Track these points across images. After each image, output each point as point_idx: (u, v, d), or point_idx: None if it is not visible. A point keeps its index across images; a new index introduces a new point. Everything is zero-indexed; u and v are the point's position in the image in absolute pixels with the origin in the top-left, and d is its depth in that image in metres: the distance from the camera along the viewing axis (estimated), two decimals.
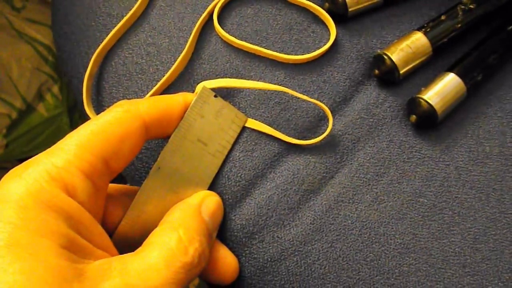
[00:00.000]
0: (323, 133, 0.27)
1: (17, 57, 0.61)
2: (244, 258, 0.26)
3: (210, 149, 0.25)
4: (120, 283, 0.18)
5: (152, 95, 0.27)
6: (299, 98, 0.27)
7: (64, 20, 0.32)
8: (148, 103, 0.23)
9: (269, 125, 0.27)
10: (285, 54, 0.28)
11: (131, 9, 0.29)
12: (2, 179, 0.19)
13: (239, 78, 0.28)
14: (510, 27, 0.29)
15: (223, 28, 0.29)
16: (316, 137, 0.27)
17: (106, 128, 0.21)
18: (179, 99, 0.24)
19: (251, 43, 0.28)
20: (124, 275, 0.18)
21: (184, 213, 0.22)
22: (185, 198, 0.24)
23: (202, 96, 0.24)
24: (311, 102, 0.27)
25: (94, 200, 0.20)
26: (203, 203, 0.24)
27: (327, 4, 0.29)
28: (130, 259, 0.19)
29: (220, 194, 0.26)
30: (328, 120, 0.27)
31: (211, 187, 0.26)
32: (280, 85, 0.28)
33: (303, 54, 0.28)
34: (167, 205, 0.23)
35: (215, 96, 0.25)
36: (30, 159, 0.20)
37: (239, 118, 0.26)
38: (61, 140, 0.21)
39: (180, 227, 0.21)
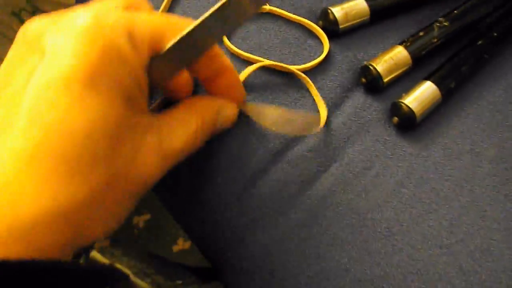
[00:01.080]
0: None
1: None
2: (249, 241, 0.29)
3: None
4: (156, 143, 0.22)
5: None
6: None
7: None
8: None
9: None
10: (284, 64, 0.32)
11: None
12: (80, 17, 0.21)
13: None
14: (480, 42, 0.34)
15: (230, 42, 0.33)
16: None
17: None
18: None
19: (255, 55, 0.32)
20: (160, 137, 0.23)
21: (205, 108, 0.26)
22: None
23: None
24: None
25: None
26: (223, 108, 0.27)
27: (321, 22, 0.33)
28: (163, 124, 0.24)
29: (228, 185, 0.30)
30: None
31: (220, 177, 0.30)
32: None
33: (300, 65, 0.32)
34: None
35: None
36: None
37: None
38: None
39: (199, 117, 0.25)
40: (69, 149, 0.19)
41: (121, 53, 0.21)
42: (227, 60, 0.27)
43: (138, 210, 0.72)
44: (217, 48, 0.26)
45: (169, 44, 0.23)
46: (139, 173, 0.22)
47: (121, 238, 0.71)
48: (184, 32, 0.23)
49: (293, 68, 0.31)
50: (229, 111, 0.28)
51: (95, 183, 0.19)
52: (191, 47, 0.23)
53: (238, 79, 0.28)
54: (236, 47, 0.33)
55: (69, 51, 0.19)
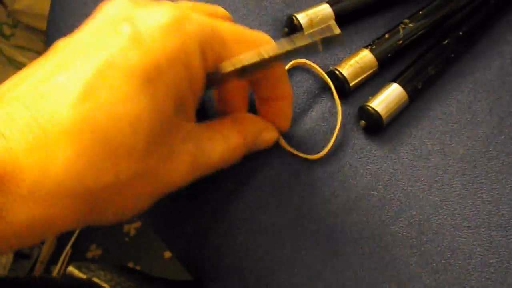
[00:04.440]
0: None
1: None
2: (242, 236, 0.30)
3: None
4: (193, 152, 0.23)
5: None
6: None
7: None
8: None
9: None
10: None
11: None
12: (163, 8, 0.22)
13: None
14: (445, 42, 0.34)
15: None
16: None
17: None
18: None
19: None
20: (198, 147, 0.24)
21: (248, 127, 0.27)
22: None
23: None
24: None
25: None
26: (265, 131, 0.28)
27: (286, 29, 0.33)
28: (204, 135, 0.24)
29: (206, 199, 0.30)
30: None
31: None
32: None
33: None
34: None
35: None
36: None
37: None
38: None
39: (241, 135, 0.26)
40: (111, 133, 0.19)
41: (189, 59, 0.21)
42: (289, 88, 0.28)
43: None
44: (284, 73, 0.27)
45: (238, 64, 0.23)
46: (168, 177, 0.22)
47: (112, 245, 0.72)
48: (257, 59, 0.23)
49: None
50: (271, 136, 0.29)
51: (124, 174, 0.20)
52: (257, 67, 0.24)
53: (291, 110, 0.29)
54: None
55: (144, 43, 0.20)
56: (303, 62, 0.33)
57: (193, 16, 0.22)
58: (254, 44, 0.24)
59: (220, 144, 0.25)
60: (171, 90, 0.21)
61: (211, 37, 0.22)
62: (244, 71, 0.24)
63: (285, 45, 0.23)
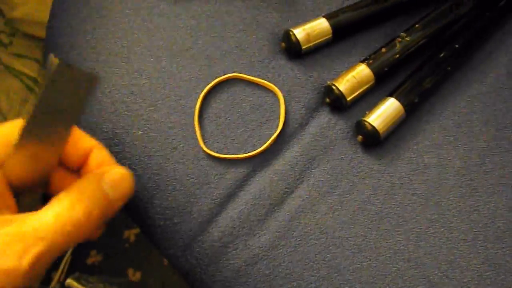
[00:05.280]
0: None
1: (6, 90, 0.65)
2: (221, 264, 0.30)
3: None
4: (14, 229, 0.22)
5: None
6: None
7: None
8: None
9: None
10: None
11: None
12: None
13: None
14: (441, 55, 0.34)
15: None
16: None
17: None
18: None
19: None
20: (20, 224, 0.23)
21: (83, 181, 0.25)
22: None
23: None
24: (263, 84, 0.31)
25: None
26: (106, 173, 0.26)
27: (283, 44, 0.34)
28: (29, 215, 0.23)
29: (198, 210, 0.31)
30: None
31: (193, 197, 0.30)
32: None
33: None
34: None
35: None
36: None
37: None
38: None
39: (75, 191, 0.24)
40: None
41: None
42: (90, 140, 0.27)
43: (128, 224, 0.72)
44: (76, 133, 0.27)
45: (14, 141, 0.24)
46: (4, 267, 0.22)
47: (112, 251, 0.72)
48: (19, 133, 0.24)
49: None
50: (116, 176, 0.26)
51: None
52: (35, 141, 0.24)
53: (107, 153, 0.28)
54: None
55: None
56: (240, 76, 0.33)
57: None
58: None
59: (51, 210, 0.23)
60: None
61: None
62: (33, 149, 0.24)
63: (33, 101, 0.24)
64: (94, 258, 0.71)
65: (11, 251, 0.22)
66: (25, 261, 0.22)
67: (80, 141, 0.27)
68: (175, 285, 0.68)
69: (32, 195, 0.27)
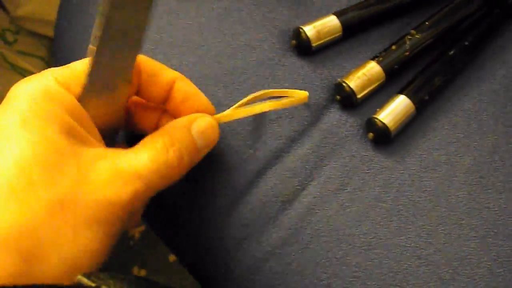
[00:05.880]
0: None
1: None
2: (233, 262, 0.30)
3: None
4: (110, 165, 0.23)
5: None
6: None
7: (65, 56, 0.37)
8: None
9: None
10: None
11: None
12: (14, 84, 0.24)
13: None
14: (451, 52, 0.34)
15: None
16: None
17: None
18: None
19: None
20: (115, 160, 0.23)
21: (173, 126, 0.26)
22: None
23: None
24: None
25: None
26: (194, 121, 0.26)
27: (294, 41, 0.34)
28: (122, 152, 0.24)
29: (210, 209, 0.31)
30: None
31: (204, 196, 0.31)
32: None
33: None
34: None
35: None
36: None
37: None
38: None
39: (166, 135, 0.25)
40: (1, 179, 0.20)
41: (51, 94, 0.23)
42: (171, 72, 0.27)
43: None
44: (155, 65, 0.27)
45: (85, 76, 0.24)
46: (92, 197, 0.22)
47: (117, 249, 0.72)
48: (90, 61, 0.23)
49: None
50: (204, 124, 0.27)
51: (37, 208, 0.20)
52: (106, 70, 0.24)
53: (191, 84, 0.28)
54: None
55: (10, 102, 0.23)
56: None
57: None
58: None
59: (144, 150, 0.24)
60: (48, 125, 0.22)
61: (61, 72, 0.24)
62: (105, 81, 0.24)
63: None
64: None
65: (113, 184, 0.22)
66: (125, 195, 0.22)
67: (161, 73, 0.27)
68: (181, 283, 0.68)
69: (111, 131, 0.27)
